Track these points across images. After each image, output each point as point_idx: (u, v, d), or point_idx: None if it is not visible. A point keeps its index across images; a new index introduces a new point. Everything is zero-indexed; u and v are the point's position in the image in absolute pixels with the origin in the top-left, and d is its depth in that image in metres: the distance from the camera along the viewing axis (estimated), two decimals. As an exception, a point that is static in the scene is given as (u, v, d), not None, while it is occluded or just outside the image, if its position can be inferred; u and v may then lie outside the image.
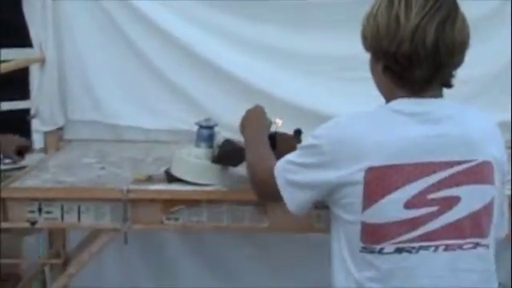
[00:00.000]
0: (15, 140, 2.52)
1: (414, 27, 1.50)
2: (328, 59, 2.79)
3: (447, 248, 1.52)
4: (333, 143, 1.56)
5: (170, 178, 2.22)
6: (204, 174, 2.19)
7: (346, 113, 1.62)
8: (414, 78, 1.55)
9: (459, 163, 1.53)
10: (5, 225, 2.19)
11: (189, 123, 2.55)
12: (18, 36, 2.97)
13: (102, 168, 2.45)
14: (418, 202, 1.50)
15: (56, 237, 2.85)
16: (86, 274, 2.58)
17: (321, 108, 2.71)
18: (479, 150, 1.55)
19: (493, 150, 1.57)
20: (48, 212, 2.17)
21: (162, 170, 2.29)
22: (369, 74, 1.67)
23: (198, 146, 2.23)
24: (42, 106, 2.77)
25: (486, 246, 1.56)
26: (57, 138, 2.84)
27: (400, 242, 1.51)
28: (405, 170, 1.50)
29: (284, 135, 2.08)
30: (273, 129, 2.06)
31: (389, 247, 1.51)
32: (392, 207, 1.50)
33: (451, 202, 1.52)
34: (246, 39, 2.80)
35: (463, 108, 1.61)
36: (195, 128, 2.25)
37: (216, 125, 2.24)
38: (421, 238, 1.51)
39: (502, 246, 1.67)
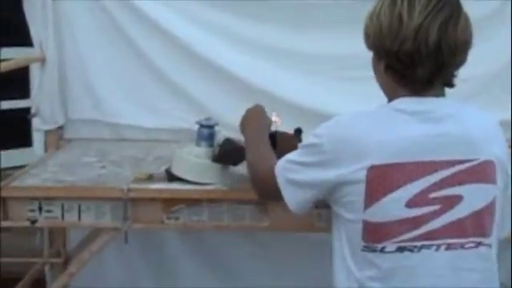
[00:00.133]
0: None
1: (417, 26, 1.51)
2: (328, 59, 2.80)
3: (449, 247, 1.52)
4: (334, 142, 1.56)
5: (171, 177, 2.22)
6: (204, 173, 2.19)
7: (346, 112, 1.62)
8: (416, 77, 1.55)
9: (461, 162, 1.53)
10: (5, 224, 2.19)
11: (189, 122, 2.55)
12: (19, 35, 2.97)
13: (103, 167, 2.45)
14: (419, 200, 1.50)
15: (56, 236, 2.85)
16: (87, 273, 2.58)
17: (321, 107, 2.72)
18: (481, 149, 1.55)
19: (495, 149, 1.57)
20: (48, 211, 2.17)
21: (163, 169, 2.29)
22: (369, 74, 1.67)
23: (198, 145, 2.23)
24: (43, 104, 2.77)
25: (488, 246, 1.56)
26: (57, 137, 2.83)
27: (402, 241, 1.51)
28: (406, 168, 1.50)
29: (284, 134, 2.08)
30: (273, 128, 2.06)
31: (390, 246, 1.51)
32: (394, 206, 1.50)
33: (453, 201, 1.52)
34: (247, 39, 2.80)
35: (462, 106, 1.60)
36: (196, 127, 2.25)
37: (216, 124, 2.24)
38: (422, 236, 1.50)
39: (502, 246, 1.67)
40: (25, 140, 3.25)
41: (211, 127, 2.23)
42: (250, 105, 2.10)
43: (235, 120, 2.09)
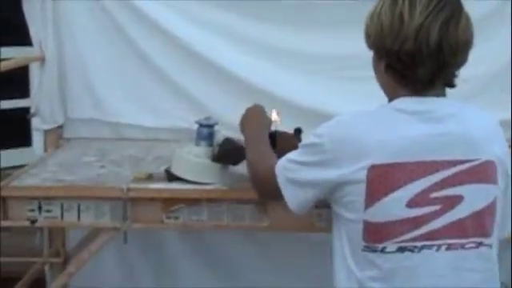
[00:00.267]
0: None
1: (418, 26, 1.50)
2: (328, 59, 2.80)
3: (450, 247, 1.51)
4: (335, 142, 1.56)
5: (170, 177, 2.22)
6: (204, 172, 2.19)
7: (346, 111, 1.62)
8: (417, 77, 1.54)
9: (462, 162, 1.52)
10: (5, 223, 2.19)
11: (189, 122, 2.55)
12: (18, 34, 2.96)
13: (102, 166, 2.45)
14: (420, 200, 1.50)
15: (56, 235, 2.85)
16: (86, 273, 2.58)
17: (321, 107, 2.72)
18: (482, 149, 1.55)
19: (496, 149, 1.56)
20: (48, 211, 2.16)
21: (162, 168, 2.28)
22: (369, 73, 1.67)
23: (197, 144, 2.22)
24: (42, 104, 2.77)
25: (489, 246, 1.55)
26: (57, 137, 2.83)
27: (402, 241, 1.50)
28: (407, 168, 1.50)
29: (284, 134, 2.08)
30: (273, 127, 2.06)
31: (391, 246, 1.51)
32: (395, 206, 1.50)
33: (454, 201, 1.51)
34: (247, 39, 2.80)
35: (463, 106, 1.60)
36: (195, 126, 2.25)
37: (216, 123, 2.24)
38: (423, 237, 1.50)
39: (503, 246, 1.67)
40: (24, 139, 3.24)
41: (211, 126, 2.22)
42: (249, 104, 2.10)
43: (235, 119, 2.09)
